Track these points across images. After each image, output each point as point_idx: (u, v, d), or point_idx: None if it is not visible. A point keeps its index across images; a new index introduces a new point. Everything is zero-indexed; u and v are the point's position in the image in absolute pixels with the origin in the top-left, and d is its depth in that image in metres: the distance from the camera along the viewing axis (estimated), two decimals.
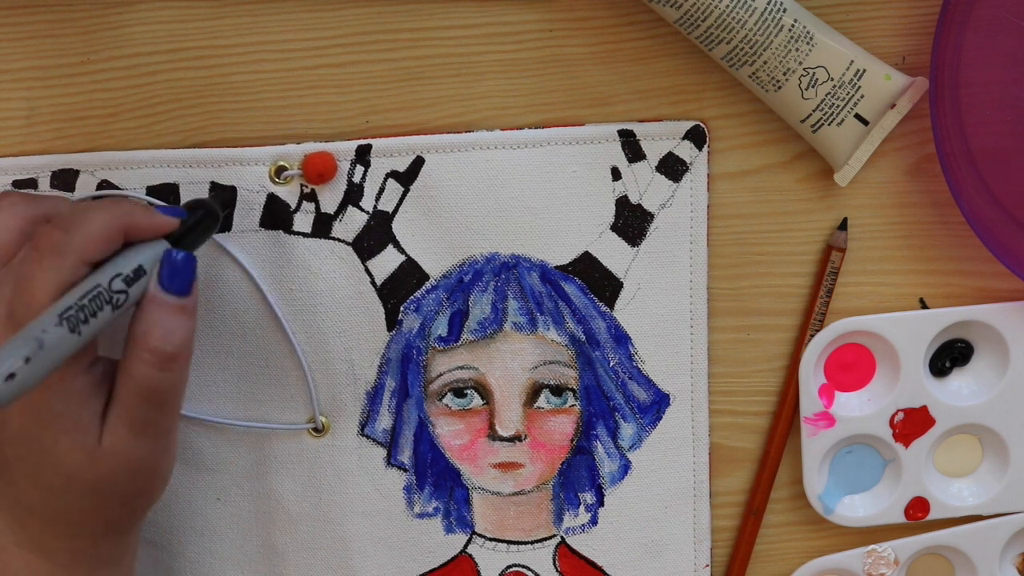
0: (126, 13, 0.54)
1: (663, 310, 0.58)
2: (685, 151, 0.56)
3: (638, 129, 0.56)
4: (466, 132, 0.56)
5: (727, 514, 0.61)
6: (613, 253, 0.57)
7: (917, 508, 0.60)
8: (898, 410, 0.59)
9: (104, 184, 0.55)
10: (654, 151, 0.56)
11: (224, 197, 0.55)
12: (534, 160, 0.56)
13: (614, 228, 0.57)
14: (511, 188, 0.56)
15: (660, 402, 0.59)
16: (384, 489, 0.58)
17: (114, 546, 0.50)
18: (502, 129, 0.56)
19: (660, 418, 0.59)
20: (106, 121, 0.55)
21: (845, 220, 0.58)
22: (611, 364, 0.58)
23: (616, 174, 0.56)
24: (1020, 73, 0.54)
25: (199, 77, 0.55)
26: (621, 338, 0.58)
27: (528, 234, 0.57)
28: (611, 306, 0.58)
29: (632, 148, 0.56)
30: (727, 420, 0.60)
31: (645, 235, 0.57)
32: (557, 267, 0.57)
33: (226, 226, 0.55)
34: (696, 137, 0.56)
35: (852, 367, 0.60)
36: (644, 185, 0.57)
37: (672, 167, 0.56)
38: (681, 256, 0.57)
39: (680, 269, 0.58)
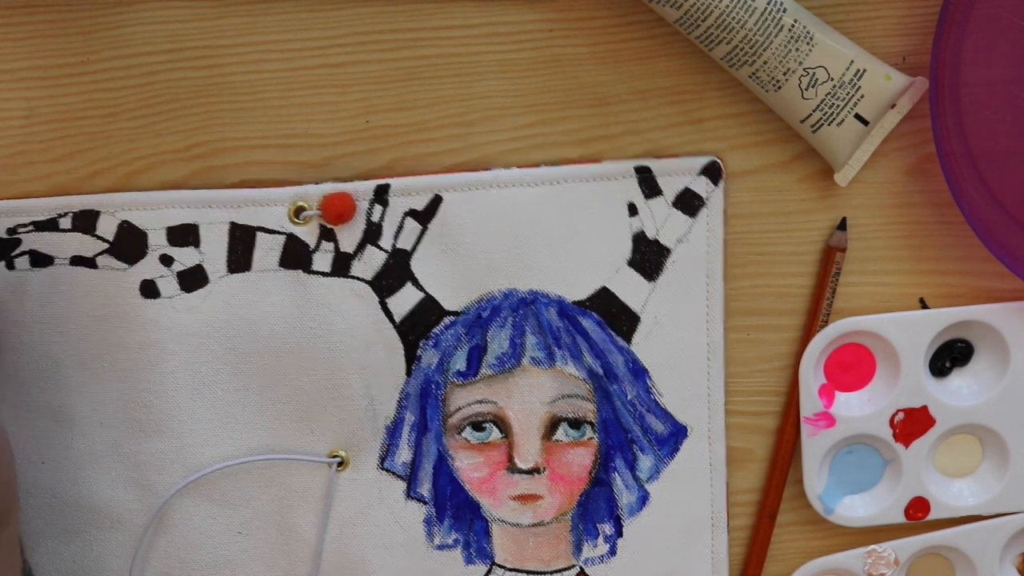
0: (126, 13, 0.54)
1: (680, 343, 0.58)
2: (701, 186, 0.57)
3: (655, 165, 0.56)
4: (483, 171, 0.56)
5: (730, 513, 0.61)
6: (630, 288, 0.57)
7: (917, 508, 0.60)
8: (898, 410, 0.59)
9: (124, 225, 0.55)
10: (670, 187, 0.56)
11: None
12: (551, 197, 0.56)
13: (631, 263, 0.57)
14: (528, 225, 0.56)
15: (677, 434, 0.59)
16: (404, 521, 0.59)
17: None
18: (518, 166, 0.56)
19: (677, 449, 0.59)
20: (106, 121, 0.55)
21: (844, 220, 0.58)
22: (629, 397, 0.58)
23: (633, 210, 0.57)
24: (1020, 73, 0.54)
25: (199, 77, 0.55)
26: (638, 371, 0.58)
27: (546, 270, 0.57)
28: (628, 340, 0.58)
29: (649, 184, 0.56)
30: (727, 420, 0.60)
31: (662, 270, 0.57)
32: (575, 302, 0.57)
33: (245, 266, 0.56)
34: (712, 172, 0.56)
35: (852, 367, 0.60)
36: (661, 220, 0.57)
37: (689, 202, 0.57)
38: (698, 290, 0.58)
39: (697, 303, 0.58)
